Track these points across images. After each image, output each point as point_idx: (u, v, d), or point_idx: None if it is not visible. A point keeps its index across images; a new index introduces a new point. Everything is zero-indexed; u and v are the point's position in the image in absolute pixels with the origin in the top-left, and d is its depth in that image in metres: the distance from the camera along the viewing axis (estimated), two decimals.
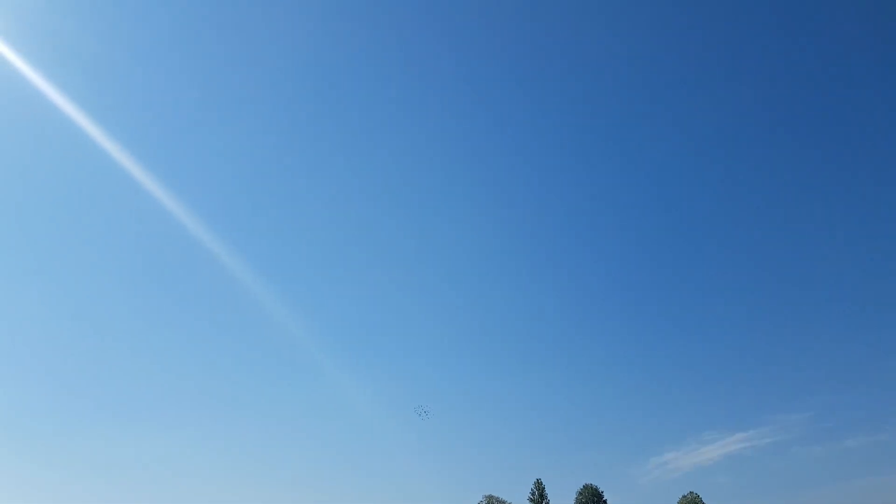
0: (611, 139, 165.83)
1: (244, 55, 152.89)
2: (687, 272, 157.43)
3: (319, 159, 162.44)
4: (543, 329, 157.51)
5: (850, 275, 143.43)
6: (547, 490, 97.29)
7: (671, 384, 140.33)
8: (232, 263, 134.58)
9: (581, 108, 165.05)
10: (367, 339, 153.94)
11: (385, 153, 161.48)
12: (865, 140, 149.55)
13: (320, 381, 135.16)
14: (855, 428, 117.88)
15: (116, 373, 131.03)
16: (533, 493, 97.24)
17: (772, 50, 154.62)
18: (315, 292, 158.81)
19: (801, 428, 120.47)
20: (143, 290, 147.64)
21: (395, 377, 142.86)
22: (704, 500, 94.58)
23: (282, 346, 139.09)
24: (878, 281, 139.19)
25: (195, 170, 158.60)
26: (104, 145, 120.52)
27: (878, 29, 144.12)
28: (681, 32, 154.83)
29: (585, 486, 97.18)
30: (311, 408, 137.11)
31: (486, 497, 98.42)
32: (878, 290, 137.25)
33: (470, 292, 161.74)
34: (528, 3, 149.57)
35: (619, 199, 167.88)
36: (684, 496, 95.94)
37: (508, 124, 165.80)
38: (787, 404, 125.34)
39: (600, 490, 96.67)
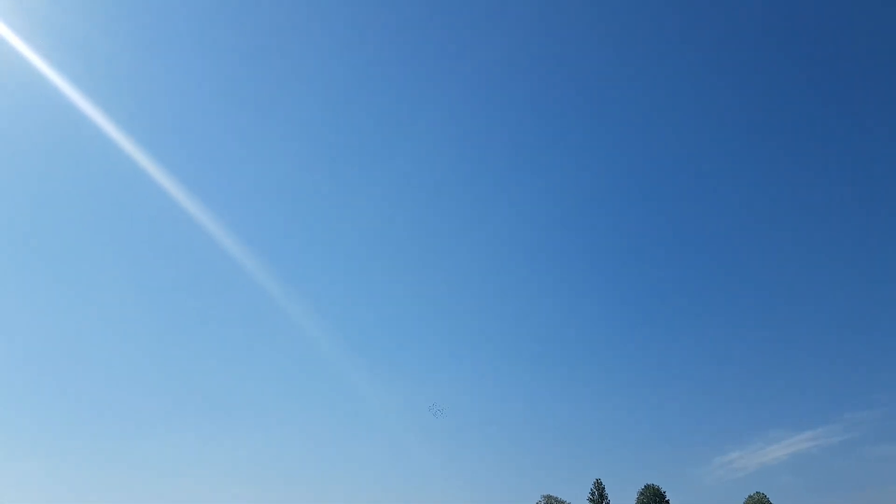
0: (628, 139, 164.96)
1: (264, 57, 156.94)
2: (754, 267, 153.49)
3: (338, 162, 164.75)
4: (603, 327, 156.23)
5: None
6: (607, 490, 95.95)
7: (736, 381, 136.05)
8: (252, 267, 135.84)
9: (590, 109, 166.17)
10: (419, 343, 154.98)
11: (400, 156, 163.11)
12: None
13: (355, 384, 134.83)
14: None
15: (143, 376, 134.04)
16: (592, 494, 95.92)
17: (770, 51, 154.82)
18: (343, 297, 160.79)
19: (870, 426, 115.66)
20: (169, 293, 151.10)
21: (452, 380, 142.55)
22: (771, 501, 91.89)
23: (309, 352, 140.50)
24: None
25: (216, 173, 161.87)
26: (125, 147, 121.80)
27: (878, 29, 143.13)
28: (680, 33, 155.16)
29: (647, 487, 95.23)
30: (352, 413, 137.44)
31: (544, 497, 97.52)
32: None
33: (522, 293, 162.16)
34: (530, 7, 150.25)
35: (664, 194, 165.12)
36: (750, 496, 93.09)
37: (522, 128, 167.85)
38: (856, 401, 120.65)
39: (662, 490, 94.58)
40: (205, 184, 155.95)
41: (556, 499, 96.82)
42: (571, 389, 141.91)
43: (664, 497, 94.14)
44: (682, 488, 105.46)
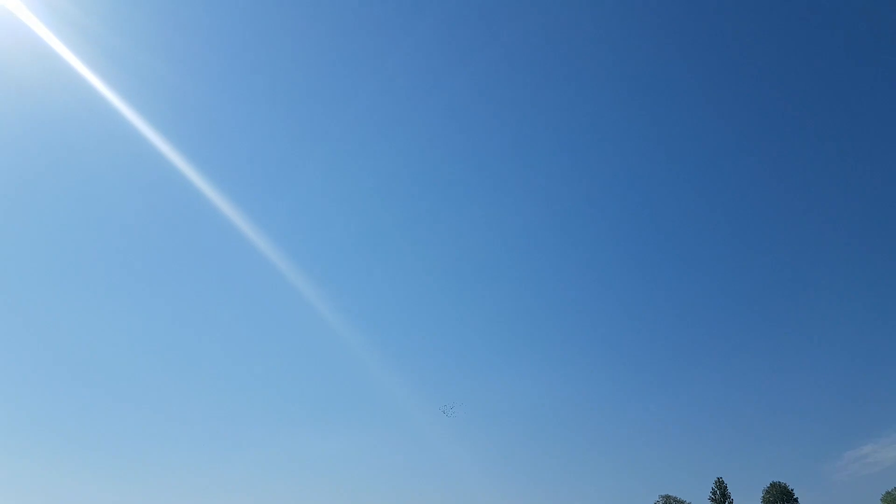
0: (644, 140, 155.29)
1: (295, 58, 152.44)
2: (876, 257, 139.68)
3: (368, 170, 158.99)
4: (723, 320, 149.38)
5: None
6: (730, 489, 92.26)
7: (865, 371, 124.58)
8: (287, 271, 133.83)
9: (592, 110, 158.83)
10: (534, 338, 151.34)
11: (422, 161, 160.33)
12: None
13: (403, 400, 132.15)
14: None
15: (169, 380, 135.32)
16: (714, 493, 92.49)
17: (770, 50, 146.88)
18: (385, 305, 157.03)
19: None
20: (208, 298, 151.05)
21: (557, 378, 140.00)
22: None
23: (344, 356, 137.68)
24: None
25: (253, 181, 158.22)
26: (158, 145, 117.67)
27: (878, 29, 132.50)
28: (679, 34, 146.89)
29: (773, 485, 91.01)
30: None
31: (662, 497, 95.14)
32: None
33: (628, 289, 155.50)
34: (531, 7, 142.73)
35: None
36: (888, 492, 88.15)
37: (530, 131, 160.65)
38: None
39: (790, 488, 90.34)
40: (243, 192, 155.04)
41: (674, 499, 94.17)
42: (689, 386, 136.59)
43: (792, 495, 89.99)
44: (812, 485, 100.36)
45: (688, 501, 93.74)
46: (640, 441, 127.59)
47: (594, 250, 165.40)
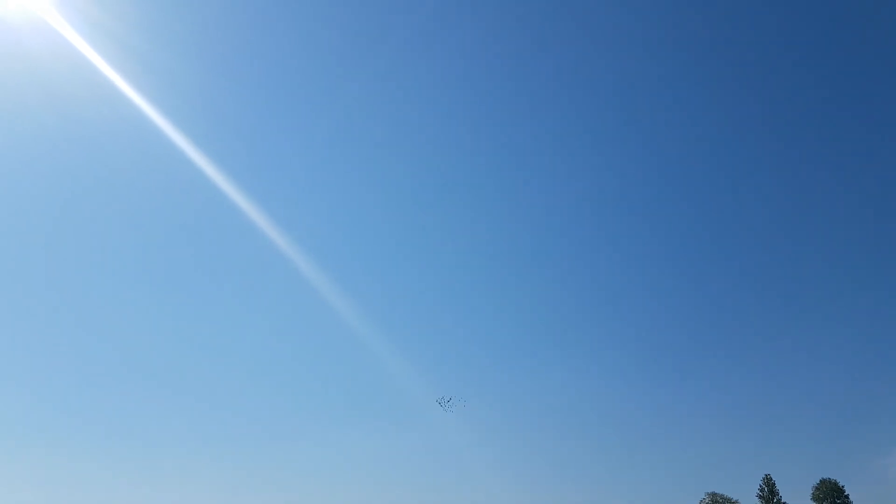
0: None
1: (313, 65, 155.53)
2: None
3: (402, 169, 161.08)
4: (772, 313, 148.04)
5: None
6: (778, 486, 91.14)
7: None
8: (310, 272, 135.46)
9: (593, 111, 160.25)
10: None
11: (432, 162, 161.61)
12: None
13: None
14: None
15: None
16: (762, 490, 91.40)
17: (774, 49, 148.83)
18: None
19: None
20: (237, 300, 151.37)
21: (603, 374, 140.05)
22: None
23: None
24: None
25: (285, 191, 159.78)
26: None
27: (878, 29, 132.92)
28: (684, 32, 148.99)
29: (823, 481, 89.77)
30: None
31: (708, 494, 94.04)
32: None
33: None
34: (533, 6, 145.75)
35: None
36: None
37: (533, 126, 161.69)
38: None
39: (841, 485, 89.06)
40: (274, 195, 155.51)
41: (722, 496, 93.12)
42: (737, 380, 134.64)
43: (843, 492, 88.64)
44: (863, 482, 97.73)
45: (735, 499, 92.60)
46: (686, 438, 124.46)
47: (629, 243, 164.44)
